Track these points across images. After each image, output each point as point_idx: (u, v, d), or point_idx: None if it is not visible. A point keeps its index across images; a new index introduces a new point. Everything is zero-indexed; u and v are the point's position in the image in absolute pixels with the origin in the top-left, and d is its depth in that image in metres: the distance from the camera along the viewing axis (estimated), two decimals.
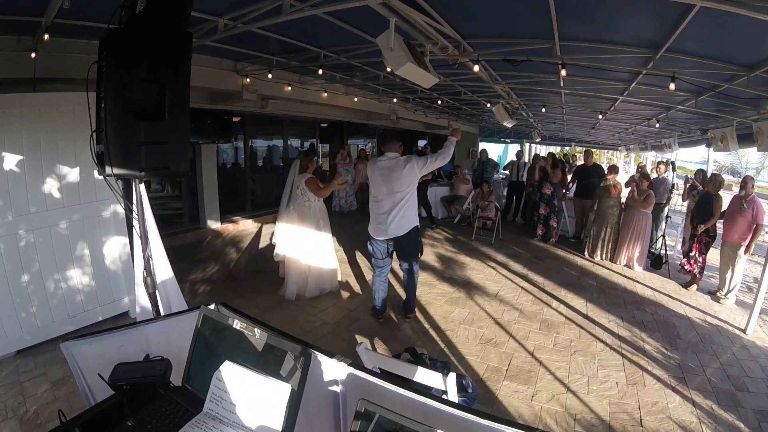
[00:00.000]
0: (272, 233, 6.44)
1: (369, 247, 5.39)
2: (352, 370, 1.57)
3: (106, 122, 2.50)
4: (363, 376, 1.53)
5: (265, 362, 1.53)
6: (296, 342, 1.52)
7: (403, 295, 5.83)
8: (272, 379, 1.42)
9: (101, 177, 4.75)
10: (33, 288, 4.60)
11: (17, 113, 4.42)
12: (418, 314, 5.74)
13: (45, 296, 4.69)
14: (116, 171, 2.54)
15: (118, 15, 2.64)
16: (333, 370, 1.61)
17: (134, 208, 2.96)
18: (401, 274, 5.64)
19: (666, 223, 9.23)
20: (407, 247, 5.29)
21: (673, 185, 10.11)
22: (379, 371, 2.31)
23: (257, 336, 1.57)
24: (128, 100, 2.50)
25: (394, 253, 5.37)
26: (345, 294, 6.31)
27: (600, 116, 10.13)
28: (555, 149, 25.26)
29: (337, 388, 1.63)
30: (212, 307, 1.82)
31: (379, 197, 5.15)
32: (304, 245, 5.90)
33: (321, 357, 1.53)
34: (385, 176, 5.08)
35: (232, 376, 1.47)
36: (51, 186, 4.70)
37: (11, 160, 4.37)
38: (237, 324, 1.60)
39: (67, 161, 4.79)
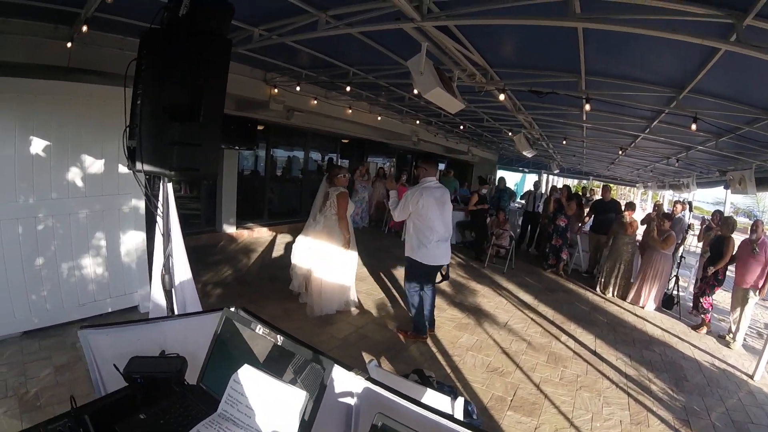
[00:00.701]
0: (288, 244, 6.39)
1: (417, 276, 5.34)
2: (368, 384, 1.57)
3: (141, 119, 2.57)
4: (379, 391, 1.53)
5: (285, 369, 1.54)
6: (317, 352, 1.53)
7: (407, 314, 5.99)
8: (290, 386, 1.43)
9: (127, 171, 4.90)
10: (46, 272, 4.66)
11: (49, 99, 4.51)
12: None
13: (57, 281, 4.75)
14: (146, 167, 2.59)
15: (161, 16, 2.72)
16: (349, 382, 1.61)
17: (160, 205, 3.00)
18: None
19: (680, 263, 9.14)
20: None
21: (689, 225, 10.01)
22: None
23: (279, 343, 1.58)
24: (164, 100, 2.56)
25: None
26: (354, 310, 6.28)
27: (620, 152, 10.12)
28: (572, 182, 25.22)
29: (352, 401, 1.63)
30: (233, 310, 1.83)
31: (435, 224, 5.18)
32: (333, 261, 5.81)
33: (338, 369, 1.53)
34: (440, 204, 5.21)
35: (250, 379, 1.48)
36: (75, 174, 4.78)
37: (38, 145, 4.47)
38: (259, 329, 1.62)
39: (93, 152, 4.88)
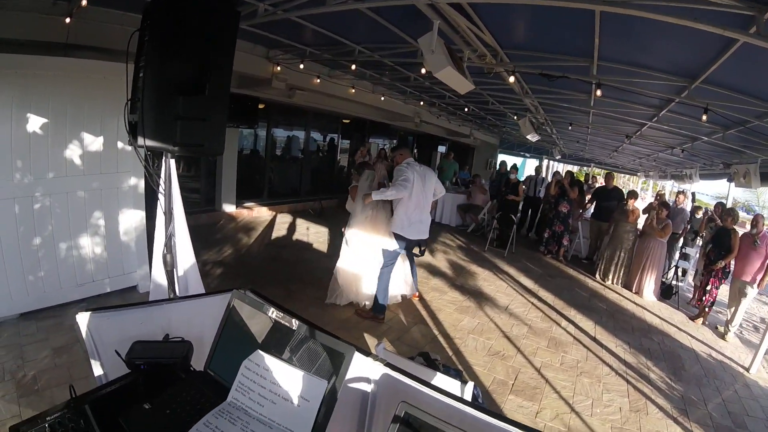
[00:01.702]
0: (290, 224, 6.23)
1: (398, 245, 5.33)
2: (388, 370, 1.50)
3: (144, 92, 2.45)
4: (400, 378, 1.47)
5: (300, 356, 1.45)
6: (335, 337, 1.45)
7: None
8: (309, 374, 1.36)
9: (126, 149, 4.80)
10: (44, 252, 4.57)
11: (48, 76, 4.37)
12: (427, 319, 5.72)
13: (55, 262, 4.66)
14: (149, 143, 2.49)
15: None
16: (367, 368, 1.54)
17: (162, 182, 2.90)
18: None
19: (681, 254, 9.15)
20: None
21: (691, 215, 9.98)
22: None
23: (294, 327, 1.49)
24: (169, 73, 2.46)
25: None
26: None
27: (626, 140, 10.04)
28: (574, 168, 25.17)
29: (368, 388, 1.56)
30: (242, 291, 1.74)
31: (420, 201, 5.27)
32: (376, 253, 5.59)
33: (356, 355, 1.46)
34: (425, 182, 5.28)
35: (264, 366, 1.40)
36: (73, 152, 4.66)
37: (35, 122, 4.34)
38: (272, 312, 1.53)
39: (92, 129, 4.75)
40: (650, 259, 8.44)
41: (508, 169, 11.76)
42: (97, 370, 1.80)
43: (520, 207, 11.61)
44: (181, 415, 1.42)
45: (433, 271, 7.92)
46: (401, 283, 6.06)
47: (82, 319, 1.78)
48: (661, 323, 7.14)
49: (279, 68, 7.73)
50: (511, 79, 5.56)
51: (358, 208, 5.65)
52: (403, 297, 6.13)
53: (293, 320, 1.49)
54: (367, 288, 5.63)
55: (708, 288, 7.53)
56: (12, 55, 4.21)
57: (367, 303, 5.62)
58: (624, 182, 31.42)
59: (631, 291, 8.62)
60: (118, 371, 1.65)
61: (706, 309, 7.56)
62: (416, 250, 6.07)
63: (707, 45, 3.84)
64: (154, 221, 3.15)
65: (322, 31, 5.73)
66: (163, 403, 1.46)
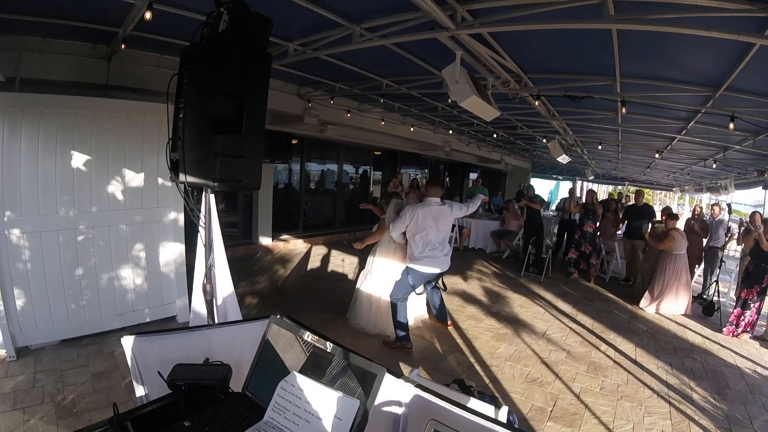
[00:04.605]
0: (324, 256, 6.36)
1: (411, 280, 5.36)
2: (419, 391, 1.54)
3: (184, 131, 2.62)
4: (430, 398, 1.51)
5: (334, 377, 1.52)
6: (367, 359, 1.51)
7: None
8: (341, 394, 1.41)
9: (166, 184, 5.02)
10: (86, 282, 4.80)
11: (89, 115, 4.66)
12: (463, 347, 5.68)
13: (96, 291, 4.89)
14: (190, 179, 2.64)
15: (200, 32, 2.80)
16: (398, 390, 1.59)
17: (202, 216, 3.05)
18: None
19: (720, 268, 8.85)
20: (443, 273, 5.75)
21: (728, 228, 9.66)
22: None
23: (328, 350, 1.56)
24: (207, 113, 2.61)
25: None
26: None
27: (657, 155, 9.92)
28: (607, 188, 24.87)
29: (400, 410, 1.61)
30: (279, 317, 1.83)
31: (432, 237, 5.30)
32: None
33: (387, 376, 1.51)
34: (437, 218, 5.30)
35: (299, 386, 1.47)
36: (115, 188, 4.92)
37: (79, 159, 4.62)
38: (308, 336, 1.61)
39: (133, 166, 5.01)
40: (670, 274, 8.11)
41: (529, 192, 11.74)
42: (139, 390, 1.91)
43: (554, 230, 11.44)
44: None
45: (469, 298, 7.89)
46: (420, 306, 6.26)
47: (127, 342, 1.89)
48: (703, 341, 6.89)
49: (310, 104, 7.99)
50: (537, 102, 5.63)
51: (385, 238, 5.84)
52: (424, 321, 6.31)
53: (327, 343, 1.57)
54: (386, 317, 5.69)
55: (750, 300, 7.18)
56: (53, 95, 4.54)
57: (392, 333, 5.64)
58: (660, 198, 30.79)
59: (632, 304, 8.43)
60: (159, 392, 1.75)
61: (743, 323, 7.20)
62: (439, 284, 6.16)
63: (725, 52, 3.87)
64: (194, 254, 3.30)
65: (350, 68, 5.94)
66: (202, 421, 1.54)
